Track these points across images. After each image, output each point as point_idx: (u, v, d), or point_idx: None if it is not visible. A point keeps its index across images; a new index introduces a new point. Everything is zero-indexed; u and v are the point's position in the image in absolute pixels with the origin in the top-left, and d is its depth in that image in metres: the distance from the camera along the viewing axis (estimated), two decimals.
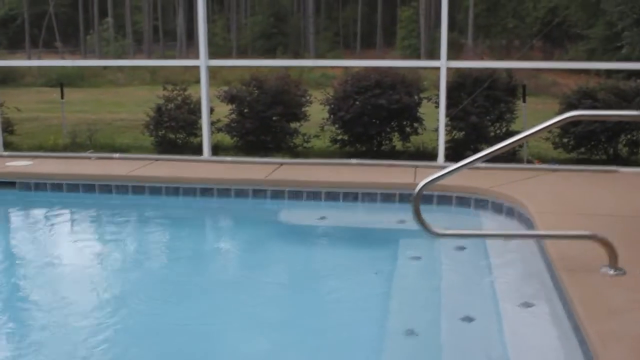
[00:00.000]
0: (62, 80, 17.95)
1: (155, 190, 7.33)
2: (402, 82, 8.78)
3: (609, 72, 15.84)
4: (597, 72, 16.78)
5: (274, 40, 44.84)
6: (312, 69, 24.86)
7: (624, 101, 8.09)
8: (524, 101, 8.53)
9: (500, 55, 39.39)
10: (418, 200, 4.24)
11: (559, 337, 4.03)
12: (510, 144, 4.21)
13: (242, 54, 45.90)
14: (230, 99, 9.28)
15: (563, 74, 21.73)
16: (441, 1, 7.56)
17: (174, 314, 4.55)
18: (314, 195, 7.02)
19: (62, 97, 10.69)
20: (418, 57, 38.73)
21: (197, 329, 4.29)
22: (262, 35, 46.59)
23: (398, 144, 9.11)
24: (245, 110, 9.19)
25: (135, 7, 51.26)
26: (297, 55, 42.29)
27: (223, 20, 50.68)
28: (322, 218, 6.76)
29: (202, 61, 8.08)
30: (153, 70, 27.52)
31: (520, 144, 4.20)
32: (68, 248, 6.07)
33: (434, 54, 37.69)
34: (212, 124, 8.96)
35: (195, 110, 9.20)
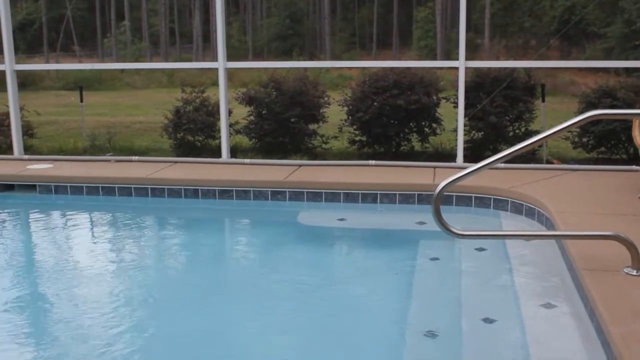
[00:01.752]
0: (80, 84, 18.10)
1: (174, 193, 7.37)
2: (421, 83, 8.76)
3: (628, 71, 15.72)
4: (616, 71, 16.67)
5: (289, 42, 44.97)
6: (328, 70, 24.88)
7: None
8: (543, 100, 8.50)
9: (517, 54, 39.27)
10: (439, 201, 4.23)
11: (582, 338, 4.00)
12: (531, 143, 4.19)
13: (258, 56, 46.05)
14: (249, 100, 9.31)
15: (581, 73, 21.61)
16: (459, 1, 7.53)
17: (195, 316, 4.55)
18: (333, 197, 7.03)
19: (81, 101, 10.76)
20: (434, 57, 38.66)
21: (218, 330, 4.31)
22: (278, 36, 46.74)
23: (417, 145, 9.09)
24: (264, 112, 9.21)
25: (152, 10, 51.54)
26: (313, 57, 42.34)
27: (239, 22, 50.86)
28: (342, 219, 6.76)
29: (221, 63, 8.11)
30: (170, 73, 27.65)
31: (540, 143, 4.18)
32: (89, 250, 6.09)
33: (450, 54, 37.66)
34: (231, 125, 8.99)
35: (214, 112, 9.25)
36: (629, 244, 4.30)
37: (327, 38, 46.20)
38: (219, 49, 8.12)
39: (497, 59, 33.65)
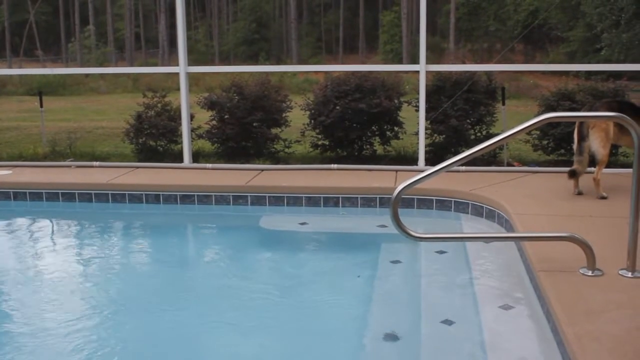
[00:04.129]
0: (43, 89, 17.88)
1: (135, 198, 7.31)
2: (382, 86, 8.79)
3: (589, 74, 15.94)
4: (577, 74, 16.89)
5: (256, 46, 44.89)
6: (295, 74, 24.88)
7: None
8: (504, 104, 8.58)
9: (482, 58, 39.61)
10: (397, 204, 4.24)
11: (538, 339, 4.04)
12: (486, 147, 4.21)
13: (224, 60, 45.90)
14: (211, 105, 9.25)
15: (544, 76, 21.86)
16: (418, 6, 7.59)
17: (156, 321, 4.53)
18: (295, 201, 7.02)
19: (41, 106, 10.64)
20: (400, 61, 38.84)
21: (179, 335, 4.27)
22: (245, 41, 46.61)
23: (379, 148, 9.11)
24: (226, 117, 9.16)
25: (117, 14, 51.16)
26: (279, 61, 42.33)
27: (205, 26, 50.67)
28: (304, 223, 6.75)
29: (182, 68, 8.07)
30: (135, 77, 27.44)
31: (497, 146, 4.22)
32: (48, 258, 6.01)
33: (416, 58, 37.67)
34: (193, 130, 8.94)
35: (176, 117, 9.19)
36: (584, 245, 4.35)
37: (293, 42, 46.19)
38: (180, 54, 8.07)
39: (463, 62, 33.93)
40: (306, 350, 4.14)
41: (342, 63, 40.48)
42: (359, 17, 48.84)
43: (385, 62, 38.98)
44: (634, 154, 4.19)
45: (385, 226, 6.39)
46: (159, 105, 9.54)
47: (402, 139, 9.10)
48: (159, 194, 7.25)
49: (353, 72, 9.11)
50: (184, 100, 8.15)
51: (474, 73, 8.60)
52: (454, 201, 6.70)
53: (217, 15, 53.65)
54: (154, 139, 9.36)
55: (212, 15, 53.88)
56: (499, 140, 4.25)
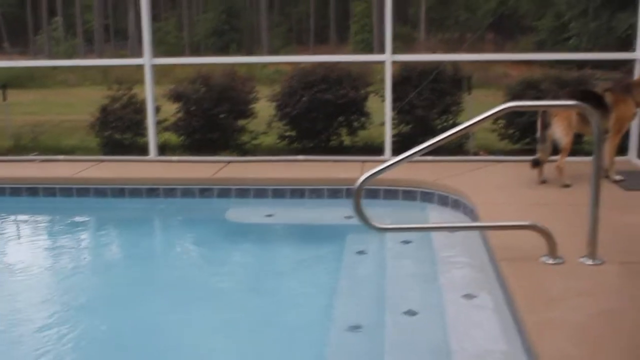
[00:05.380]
0: (11, 82, 17.57)
1: (100, 192, 7.22)
2: (349, 77, 8.78)
3: (559, 63, 16.01)
4: (549, 63, 16.96)
5: (226, 37, 44.56)
6: (265, 65, 24.75)
7: None
8: (470, 93, 8.60)
9: (453, 48, 39.73)
10: (359, 195, 4.24)
11: (500, 328, 4.05)
12: (446, 137, 4.22)
13: (195, 52, 45.56)
14: (177, 97, 9.17)
15: (514, 65, 21.93)
16: None
17: (122, 315, 4.51)
18: (261, 193, 6.99)
19: (4, 99, 10.47)
20: (371, 51, 38.83)
21: (143, 328, 4.27)
22: (215, 32, 46.25)
23: (346, 139, 9.10)
24: (192, 108, 9.09)
25: (86, 6, 50.52)
26: (250, 52, 42.12)
27: (175, 18, 50.22)
28: (270, 215, 6.72)
29: (147, 59, 7.98)
30: (105, 70, 27.10)
31: (458, 136, 4.24)
32: (12, 253, 5.96)
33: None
34: (159, 123, 8.86)
35: (142, 110, 9.09)
36: (545, 233, 4.37)
37: (264, 33, 45.96)
38: (144, 45, 7.99)
39: (434, 52, 33.99)
40: (271, 342, 4.13)
41: (313, 53, 40.37)
42: (329, 7, 48.71)
43: (356, 52, 38.91)
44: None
45: (352, 217, 6.36)
46: (125, 97, 9.43)
47: (369, 129, 9.09)
48: (124, 188, 7.18)
49: (320, 63, 9.07)
50: (149, 92, 8.06)
51: (439, 63, 8.61)
52: (420, 191, 6.71)
53: (187, 6, 53.23)
54: (119, 132, 9.26)
55: (182, 6, 53.45)
56: (459, 130, 4.26)
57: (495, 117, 4.42)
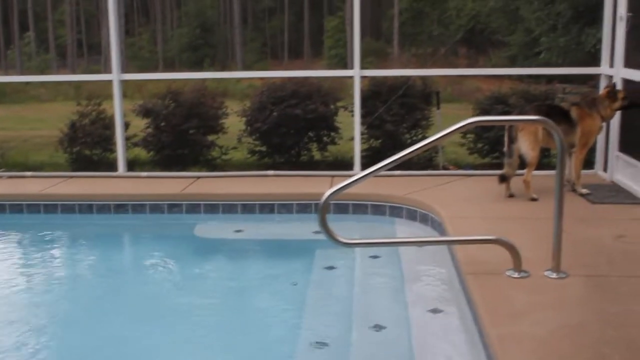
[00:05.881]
0: None
1: (68, 209, 7.14)
2: (318, 92, 8.80)
3: (530, 77, 16.18)
4: (520, 78, 17.13)
5: (201, 52, 44.48)
6: (239, 80, 24.75)
7: None
8: (438, 108, 8.65)
9: (426, 62, 39.96)
10: (324, 210, 4.24)
11: (466, 342, 4.06)
12: (411, 152, 4.23)
13: (169, 67, 45.42)
14: (146, 112, 9.13)
15: (486, 80, 22.11)
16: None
17: (90, 334, 4.47)
18: (230, 208, 6.95)
19: None
20: (345, 66, 38.96)
21: (110, 346, 4.24)
22: (189, 47, 46.16)
23: (317, 154, 9.11)
24: (162, 124, 9.05)
25: (58, 20, 50.23)
26: (224, 67, 42.07)
27: (149, 32, 50.08)
28: (239, 231, 6.69)
29: (115, 75, 7.93)
30: (77, 85, 26.95)
31: (422, 151, 4.26)
32: None
33: (360, 63, 37.78)
34: (128, 138, 8.81)
35: (110, 126, 9.03)
36: (510, 247, 4.39)
37: (238, 48, 45.96)
38: (113, 61, 7.95)
39: (407, 67, 34.19)
40: (238, 358, 4.14)
41: (287, 68, 40.40)
42: (303, 22, 48.87)
43: (330, 67, 39.01)
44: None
45: (320, 232, 6.37)
46: (94, 113, 9.37)
47: (338, 144, 9.11)
48: (92, 204, 7.11)
49: (290, 78, 9.09)
50: (117, 108, 8.00)
51: (408, 78, 8.66)
52: (389, 206, 6.71)
53: (161, 21, 53.12)
54: (88, 147, 9.19)
55: (156, 21, 53.33)
56: (422, 146, 4.28)
57: (459, 132, 4.44)
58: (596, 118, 6.38)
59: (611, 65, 7.10)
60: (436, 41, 42.84)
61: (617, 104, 6.37)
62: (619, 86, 6.71)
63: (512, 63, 28.36)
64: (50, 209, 7.16)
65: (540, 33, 22.60)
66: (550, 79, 9.61)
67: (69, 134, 9.26)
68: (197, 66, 39.69)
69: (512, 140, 6.29)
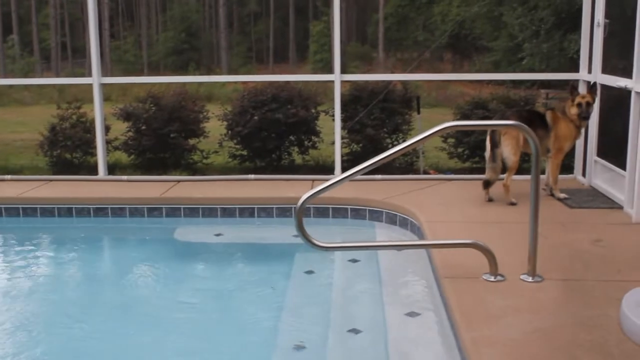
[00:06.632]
0: None
1: (47, 212, 7.12)
2: (299, 96, 8.80)
3: (514, 83, 16.28)
4: (504, 83, 17.23)
5: (185, 56, 44.39)
6: (223, 84, 24.73)
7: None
8: (419, 112, 8.67)
9: (408, 67, 40.05)
10: (301, 213, 4.24)
11: (442, 345, 4.09)
12: (386, 156, 4.24)
13: (154, 70, 45.28)
14: (127, 116, 9.10)
15: (471, 85, 22.21)
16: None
17: (63, 338, 4.46)
18: (210, 212, 6.95)
19: None
20: (329, 71, 39.02)
21: (88, 350, 4.24)
22: (174, 51, 46.06)
23: (298, 158, 9.11)
24: (142, 128, 9.02)
25: (43, 23, 49.99)
26: (209, 71, 41.99)
27: (134, 36, 49.93)
28: (219, 235, 6.69)
29: (95, 78, 7.90)
30: (61, 88, 26.81)
31: (400, 154, 4.28)
32: None
33: (345, 67, 37.94)
34: (109, 142, 8.78)
35: (91, 129, 8.99)
36: (486, 252, 4.42)
37: (223, 52, 45.90)
38: (93, 64, 7.93)
39: (392, 72, 34.27)
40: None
41: (273, 72, 40.37)
42: (289, 26, 48.90)
43: (315, 71, 39.05)
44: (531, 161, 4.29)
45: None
46: (74, 116, 9.32)
47: (319, 148, 9.11)
48: (72, 207, 7.09)
49: (271, 82, 9.09)
50: (97, 111, 7.97)
51: (389, 82, 8.68)
52: (369, 210, 6.73)
53: (146, 24, 52.96)
54: (69, 151, 9.13)
55: (141, 25, 53.17)
56: (398, 150, 4.30)
57: (436, 136, 4.46)
58: (569, 123, 6.42)
59: (589, 71, 7.15)
60: (421, 46, 42.98)
61: (574, 109, 6.36)
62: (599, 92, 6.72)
63: (496, 68, 28.48)
64: (29, 212, 7.14)
65: (524, 39, 22.76)
66: (532, 84, 9.66)
67: (49, 137, 9.19)
68: (182, 70, 39.59)
69: (495, 144, 6.32)
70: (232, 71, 41.60)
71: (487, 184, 6.49)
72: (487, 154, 6.49)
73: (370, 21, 44.64)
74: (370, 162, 4.22)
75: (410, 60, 43.77)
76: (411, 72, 13.04)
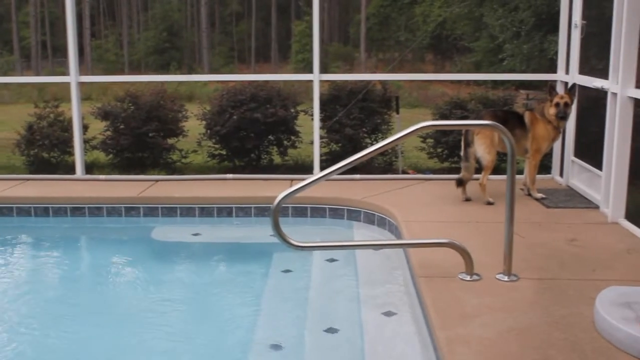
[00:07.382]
0: None
1: (23, 211, 7.06)
2: (278, 96, 8.78)
3: (495, 83, 16.36)
4: (485, 83, 17.32)
5: (167, 55, 44.23)
6: (205, 84, 24.68)
7: None
8: (397, 112, 8.68)
9: (388, 68, 40.13)
10: (277, 213, 4.24)
11: (418, 344, 4.10)
12: (362, 156, 4.26)
13: (135, 70, 45.08)
14: (104, 115, 9.04)
15: (452, 85, 22.29)
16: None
17: (39, 338, 4.43)
18: (188, 212, 6.92)
19: None
20: (311, 71, 39.02)
21: (65, 350, 4.21)
22: (156, 50, 45.88)
23: (277, 158, 9.09)
24: (121, 127, 8.97)
25: (23, 22, 49.62)
26: (191, 70, 41.88)
27: (115, 35, 49.69)
28: (197, 234, 6.66)
29: (73, 77, 7.85)
30: (41, 87, 26.64)
31: (376, 154, 4.30)
32: None
33: (327, 67, 38.02)
34: (87, 141, 8.72)
35: (69, 128, 8.93)
36: (462, 251, 4.43)
37: (205, 51, 45.78)
38: (70, 63, 7.87)
39: (374, 71, 34.31)
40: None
41: (255, 72, 40.33)
42: (271, 26, 48.86)
43: (297, 70, 39.07)
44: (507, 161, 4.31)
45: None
46: (52, 115, 9.25)
47: (299, 148, 9.10)
48: (48, 207, 7.03)
49: (250, 82, 9.07)
50: (75, 110, 7.91)
51: (368, 82, 8.69)
52: (347, 209, 6.73)
53: (127, 23, 52.71)
54: (46, 150, 9.06)
55: (123, 24, 52.91)
56: (375, 149, 4.31)
57: (414, 136, 4.48)
58: (547, 124, 6.44)
59: (567, 72, 7.19)
60: (403, 46, 43.09)
61: (552, 109, 6.38)
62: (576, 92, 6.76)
63: (477, 69, 28.62)
64: (5, 211, 7.07)
65: (504, 40, 22.86)
66: (511, 85, 9.72)
67: (26, 136, 9.11)
68: (164, 69, 39.45)
69: (468, 144, 6.35)
70: (213, 71, 41.53)
71: (459, 183, 6.52)
72: (462, 152, 6.53)
73: (352, 21, 44.70)
74: (347, 161, 4.23)
75: (392, 60, 43.90)
76: (392, 72, 13.05)
